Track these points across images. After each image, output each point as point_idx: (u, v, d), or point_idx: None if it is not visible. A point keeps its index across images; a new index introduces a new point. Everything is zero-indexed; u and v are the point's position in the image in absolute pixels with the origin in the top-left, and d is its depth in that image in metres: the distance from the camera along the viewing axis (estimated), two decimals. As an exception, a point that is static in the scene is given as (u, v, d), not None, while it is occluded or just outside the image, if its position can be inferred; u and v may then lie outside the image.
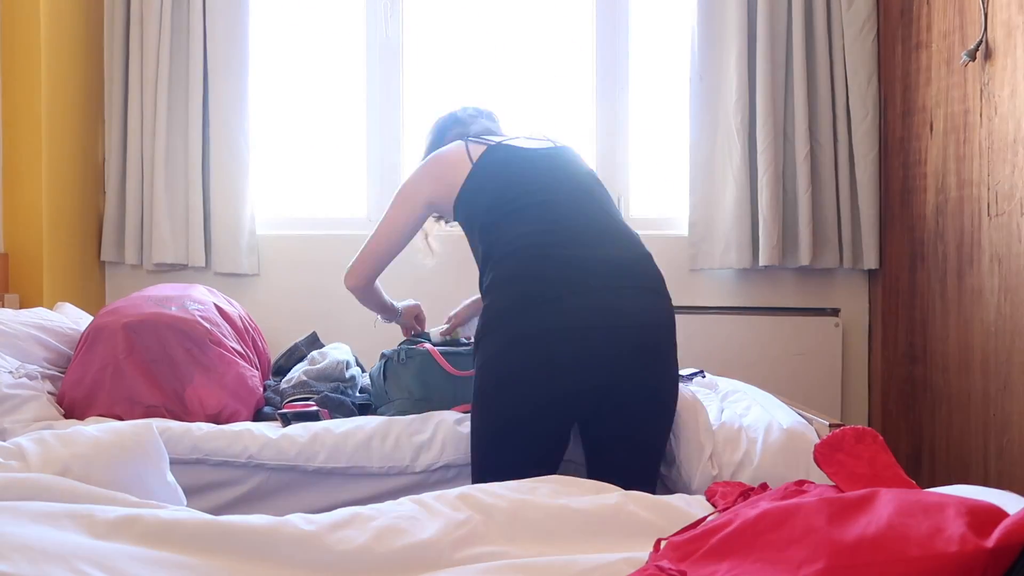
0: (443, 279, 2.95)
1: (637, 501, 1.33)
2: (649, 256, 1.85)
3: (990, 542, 0.82)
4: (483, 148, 1.96)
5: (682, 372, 2.21)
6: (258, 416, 2.23)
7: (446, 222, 2.18)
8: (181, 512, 1.21)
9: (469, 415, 2.04)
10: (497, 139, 2.00)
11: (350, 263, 2.09)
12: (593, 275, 1.74)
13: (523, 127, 2.19)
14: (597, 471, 1.75)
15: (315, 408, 2.13)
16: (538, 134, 2.06)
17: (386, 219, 2.04)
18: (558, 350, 1.70)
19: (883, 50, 2.88)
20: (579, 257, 1.76)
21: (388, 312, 2.30)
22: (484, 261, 1.87)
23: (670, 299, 1.83)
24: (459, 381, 2.14)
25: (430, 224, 2.19)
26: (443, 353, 2.16)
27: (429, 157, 2.05)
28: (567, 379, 1.71)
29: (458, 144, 2.01)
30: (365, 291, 2.14)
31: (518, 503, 1.30)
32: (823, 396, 2.92)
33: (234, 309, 2.43)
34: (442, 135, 2.17)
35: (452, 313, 2.32)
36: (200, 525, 1.15)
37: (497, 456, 1.77)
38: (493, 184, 1.91)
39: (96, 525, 1.10)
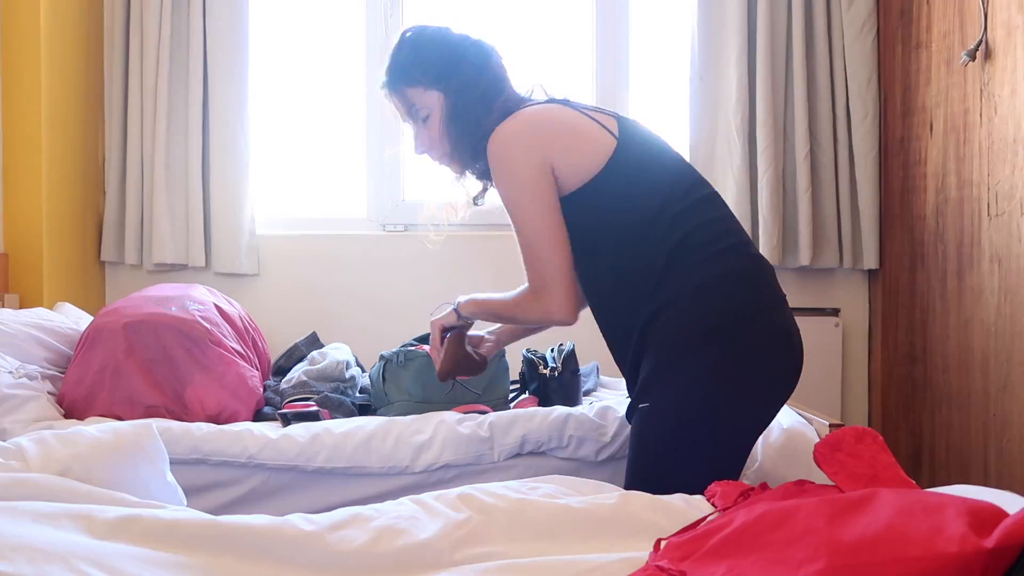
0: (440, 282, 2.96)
1: (637, 501, 1.33)
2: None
3: (990, 542, 0.82)
4: (614, 120, 1.63)
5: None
6: (258, 416, 2.23)
7: (476, 203, 1.84)
8: (181, 512, 1.21)
9: (472, 416, 2.04)
10: (604, 109, 1.72)
11: (538, 303, 1.62)
12: (775, 287, 1.63)
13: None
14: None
15: (315, 408, 2.13)
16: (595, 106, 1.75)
17: (526, 218, 1.59)
18: (787, 354, 1.59)
19: (883, 50, 2.88)
20: (756, 253, 1.65)
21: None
22: (669, 259, 1.54)
23: None
24: (458, 383, 2.14)
25: (462, 203, 1.88)
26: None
27: (530, 115, 1.63)
28: (789, 387, 1.62)
29: (564, 109, 1.65)
30: (578, 315, 1.66)
31: (518, 503, 1.30)
32: (823, 396, 2.92)
33: (234, 309, 2.43)
34: (480, 72, 1.72)
35: (489, 336, 1.96)
36: (200, 525, 1.15)
37: (719, 467, 1.50)
38: (658, 166, 1.61)
39: (96, 525, 1.10)
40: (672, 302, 1.54)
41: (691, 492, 1.37)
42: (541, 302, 1.61)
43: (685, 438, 1.54)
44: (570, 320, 1.63)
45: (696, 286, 1.53)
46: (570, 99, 1.73)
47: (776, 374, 1.59)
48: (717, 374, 1.53)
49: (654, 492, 1.37)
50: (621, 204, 1.58)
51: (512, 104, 1.69)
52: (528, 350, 2.35)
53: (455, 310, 1.78)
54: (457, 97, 1.69)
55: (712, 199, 1.64)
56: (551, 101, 1.70)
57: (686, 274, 1.54)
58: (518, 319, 1.76)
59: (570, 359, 2.26)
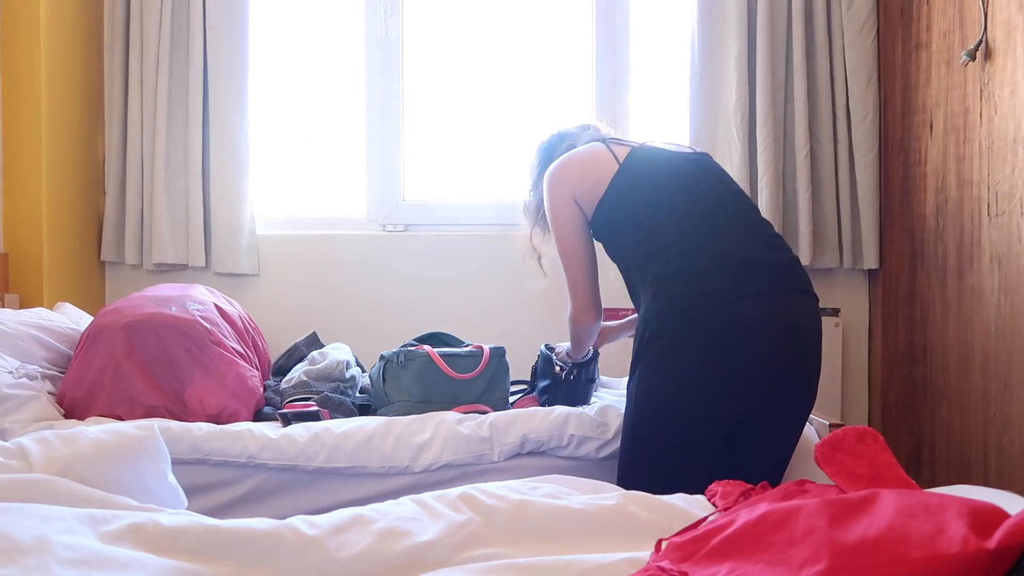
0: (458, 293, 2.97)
1: (637, 501, 1.33)
2: (798, 260, 1.91)
3: (991, 543, 0.82)
4: (627, 149, 1.97)
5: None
6: (258, 416, 2.23)
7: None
8: (184, 517, 1.21)
9: (472, 416, 2.04)
10: (637, 141, 2.02)
11: (569, 310, 2.04)
12: (764, 278, 1.79)
13: (641, 135, 2.22)
14: (728, 468, 1.76)
15: (315, 408, 2.14)
16: (671, 141, 2.07)
17: (559, 243, 2.00)
18: (737, 350, 1.73)
19: (883, 50, 2.88)
20: (750, 259, 1.80)
21: (583, 351, 2.19)
22: (642, 259, 1.87)
23: (818, 300, 1.89)
24: (458, 384, 2.14)
25: (541, 245, 2.19)
26: (442, 355, 2.16)
27: (563, 157, 2.02)
28: (745, 377, 1.74)
29: (596, 144, 2.01)
30: (599, 320, 2.05)
31: (519, 504, 1.30)
32: (823, 396, 2.88)
33: (234, 309, 2.43)
34: (552, 151, 2.16)
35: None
36: (204, 532, 1.16)
37: (667, 458, 1.78)
38: (648, 184, 1.91)
39: (103, 531, 1.11)
40: (649, 297, 1.83)
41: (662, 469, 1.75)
42: (572, 308, 2.04)
43: (642, 412, 1.83)
44: (589, 321, 2.03)
45: (656, 286, 1.81)
46: (608, 136, 2.11)
47: (716, 364, 1.74)
48: (662, 359, 1.79)
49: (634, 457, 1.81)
50: (617, 214, 1.92)
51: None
52: (547, 345, 2.33)
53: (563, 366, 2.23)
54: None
55: (698, 212, 1.87)
56: (593, 140, 2.07)
57: (651, 274, 1.83)
58: (572, 332, 2.11)
59: (587, 366, 2.23)
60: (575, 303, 2.01)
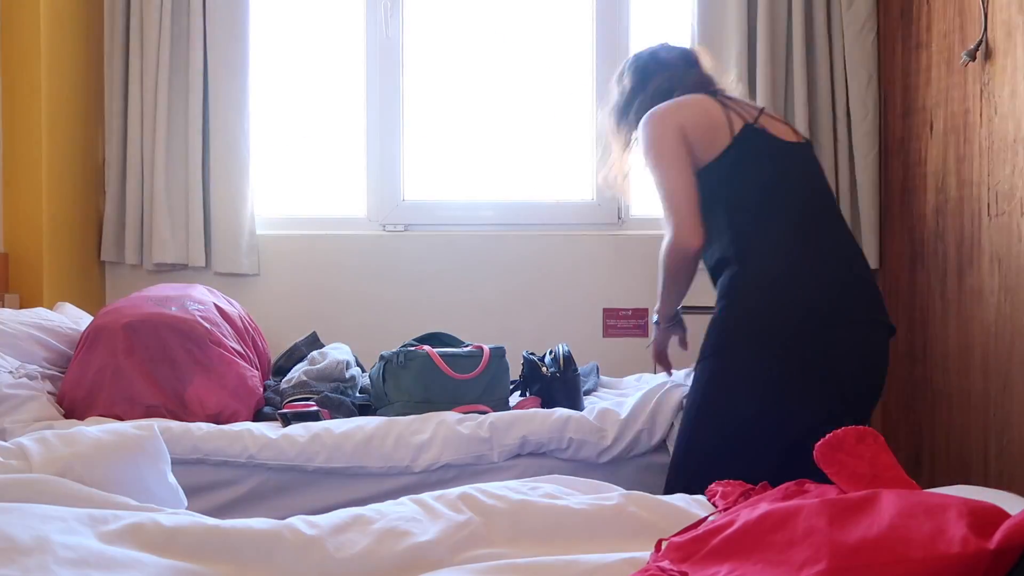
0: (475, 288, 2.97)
1: (638, 502, 1.33)
2: (873, 273, 1.92)
3: (992, 543, 0.82)
4: (741, 122, 1.86)
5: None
6: (258, 416, 2.23)
7: None
8: (184, 518, 1.21)
9: (472, 416, 2.04)
10: (751, 111, 1.91)
11: (667, 240, 1.85)
12: (860, 302, 1.77)
13: (732, 82, 2.11)
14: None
15: (315, 408, 2.13)
16: (776, 114, 2.01)
17: (661, 163, 1.85)
18: (834, 376, 1.71)
19: (883, 50, 2.88)
20: (850, 279, 1.78)
21: (673, 306, 2.05)
22: (732, 253, 1.82)
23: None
24: (458, 384, 2.14)
25: (625, 166, 2.10)
26: (442, 356, 2.16)
27: (674, 102, 1.90)
28: (833, 406, 1.70)
29: (710, 101, 1.90)
30: (703, 243, 1.85)
31: (518, 504, 1.30)
32: (823, 396, 2.92)
33: (234, 309, 2.43)
34: (649, 77, 2.01)
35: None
36: (203, 531, 1.16)
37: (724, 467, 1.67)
38: (752, 173, 1.84)
39: (103, 531, 1.11)
40: (734, 287, 1.80)
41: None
42: (672, 235, 1.85)
43: (707, 415, 1.79)
44: (694, 243, 1.83)
45: (747, 282, 1.78)
46: (715, 82, 2.01)
47: (803, 389, 1.71)
48: (746, 366, 1.75)
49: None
50: (717, 191, 1.84)
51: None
52: (528, 352, 2.35)
53: (656, 325, 2.10)
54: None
55: (798, 210, 1.83)
56: (710, 93, 1.94)
57: (745, 268, 1.79)
58: (668, 266, 1.92)
59: (568, 360, 2.26)
60: (679, 226, 1.82)
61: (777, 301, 1.75)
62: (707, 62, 2.06)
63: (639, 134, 1.93)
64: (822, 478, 1.40)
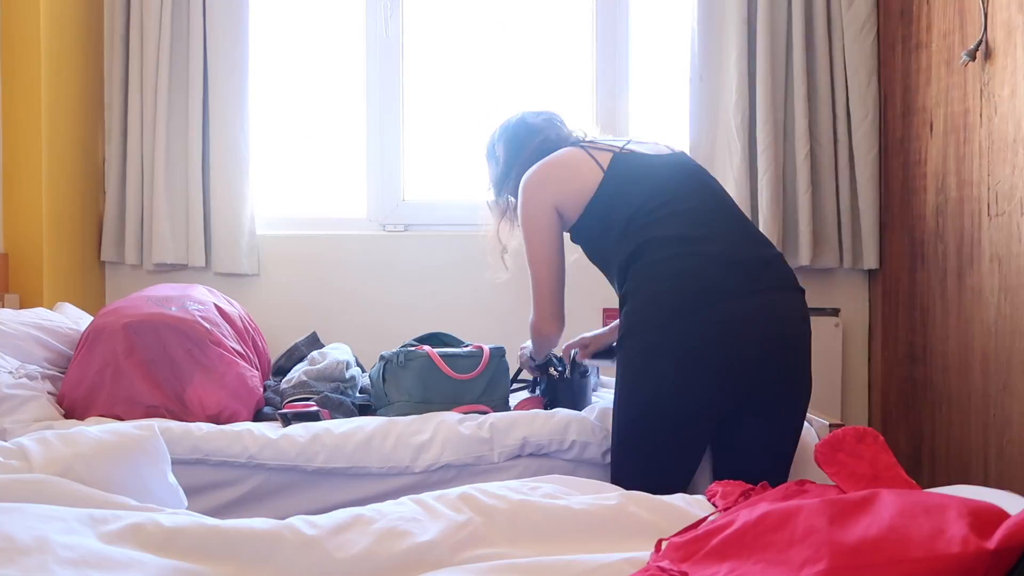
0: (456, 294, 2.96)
1: (638, 502, 1.33)
2: (781, 256, 1.93)
3: (992, 543, 0.82)
4: (609, 155, 1.95)
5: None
6: (258, 416, 2.23)
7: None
8: (184, 518, 1.21)
9: (472, 416, 2.04)
10: (616, 144, 1.99)
11: (532, 318, 2.01)
12: (749, 277, 1.79)
13: (596, 130, 2.19)
14: (728, 465, 1.79)
15: (315, 408, 2.13)
16: (646, 139, 2.06)
17: (532, 250, 1.97)
18: (724, 349, 1.74)
19: (883, 50, 2.88)
20: (735, 258, 1.80)
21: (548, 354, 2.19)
22: (628, 262, 1.86)
23: (804, 298, 1.89)
24: (458, 384, 2.14)
25: (508, 239, 2.19)
26: (442, 356, 2.16)
27: (543, 163, 1.99)
28: (732, 376, 1.75)
29: (574, 150, 1.99)
30: (561, 331, 2.02)
31: (519, 504, 1.30)
32: (823, 396, 2.92)
33: (234, 309, 2.43)
34: (521, 145, 2.10)
35: (590, 336, 2.26)
36: (203, 531, 1.16)
37: (649, 458, 1.79)
38: (634, 190, 1.89)
39: (103, 531, 1.11)
40: (629, 295, 1.85)
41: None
42: (534, 317, 2.01)
43: (629, 413, 1.84)
44: (551, 331, 2.01)
45: (641, 285, 1.83)
46: (576, 134, 2.11)
47: (701, 363, 1.74)
48: (645, 357, 1.79)
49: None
50: (603, 222, 1.92)
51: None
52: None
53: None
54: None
55: (684, 214, 1.87)
56: (573, 143, 2.04)
57: (635, 276, 1.84)
58: (533, 339, 2.10)
59: (575, 363, 2.25)
60: (539, 312, 1.99)
61: (666, 289, 1.79)
62: (571, 122, 2.17)
63: (518, 203, 2.03)
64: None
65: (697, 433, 1.80)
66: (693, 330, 1.74)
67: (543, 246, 1.95)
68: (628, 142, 2.01)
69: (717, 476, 1.80)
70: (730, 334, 1.74)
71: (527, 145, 2.08)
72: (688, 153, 2.48)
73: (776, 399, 1.80)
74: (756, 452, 1.80)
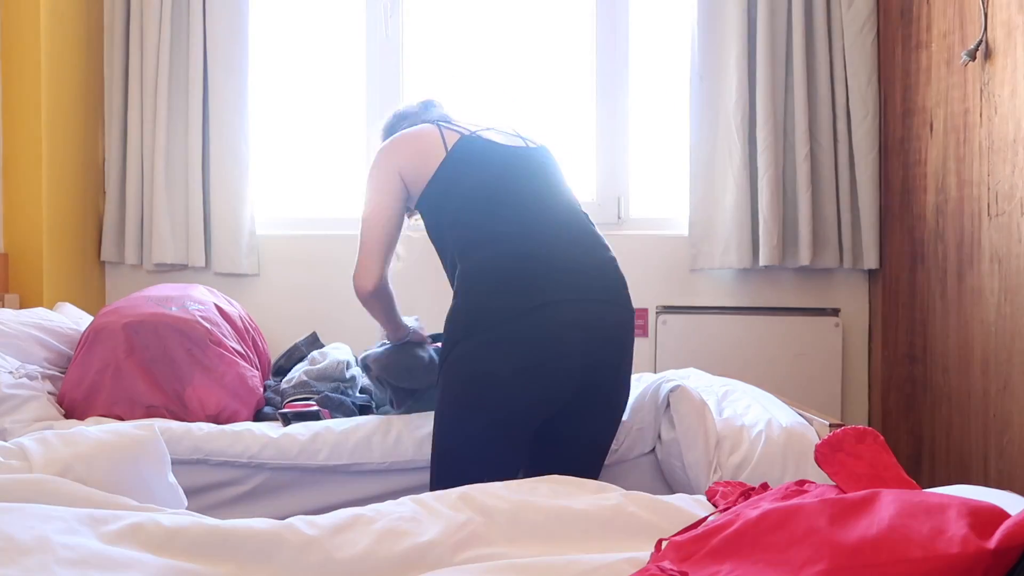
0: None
1: (638, 502, 1.33)
2: (614, 261, 1.88)
3: (992, 543, 0.82)
4: (457, 136, 1.91)
5: None
6: (258, 416, 2.23)
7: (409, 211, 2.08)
8: (184, 518, 1.21)
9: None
10: (470, 128, 1.95)
11: (354, 270, 1.92)
12: (570, 284, 1.77)
13: (490, 117, 2.13)
14: (540, 466, 1.76)
15: (316, 408, 2.14)
16: (508, 128, 2.02)
17: (367, 206, 1.91)
18: (539, 356, 1.73)
19: (883, 50, 2.88)
20: (559, 265, 1.78)
21: (397, 329, 2.10)
22: (457, 255, 1.85)
23: (631, 309, 1.87)
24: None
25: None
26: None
27: (397, 135, 1.97)
28: (547, 384, 1.74)
29: (429, 127, 1.94)
30: (380, 293, 1.92)
31: (519, 504, 1.30)
32: (823, 396, 2.92)
33: (234, 309, 2.43)
34: (391, 132, 2.10)
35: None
36: (204, 531, 1.15)
37: (469, 459, 1.76)
38: (469, 179, 1.87)
39: (103, 531, 1.11)
40: (456, 292, 1.83)
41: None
42: (355, 272, 1.91)
43: (447, 417, 1.81)
44: (365, 284, 1.90)
45: (464, 285, 1.81)
46: (446, 117, 2.04)
47: (518, 369, 1.72)
48: (463, 363, 1.76)
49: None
50: (439, 206, 1.89)
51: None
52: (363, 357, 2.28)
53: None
54: None
55: (514, 207, 1.85)
56: (433, 122, 1.99)
57: (463, 276, 1.82)
58: (360, 300, 1.98)
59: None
60: (358, 265, 1.90)
61: (490, 290, 1.77)
62: (447, 108, 2.14)
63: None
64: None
65: (514, 438, 1.76)
66: (512, 336, 1.72)
67: (380, 204, 1.90)
68: (488, 129, 1.97)
69: (532, 472, 1.75)
70: (547, 341, 1.72)
71: (398, 128, 2.07)
72: (688, 154, 2.47)
73: (588, 404, 1.79)
74: (571, 452, 1.82)
